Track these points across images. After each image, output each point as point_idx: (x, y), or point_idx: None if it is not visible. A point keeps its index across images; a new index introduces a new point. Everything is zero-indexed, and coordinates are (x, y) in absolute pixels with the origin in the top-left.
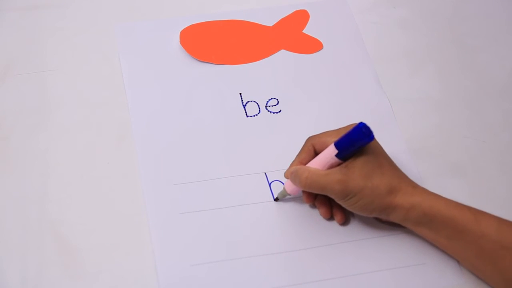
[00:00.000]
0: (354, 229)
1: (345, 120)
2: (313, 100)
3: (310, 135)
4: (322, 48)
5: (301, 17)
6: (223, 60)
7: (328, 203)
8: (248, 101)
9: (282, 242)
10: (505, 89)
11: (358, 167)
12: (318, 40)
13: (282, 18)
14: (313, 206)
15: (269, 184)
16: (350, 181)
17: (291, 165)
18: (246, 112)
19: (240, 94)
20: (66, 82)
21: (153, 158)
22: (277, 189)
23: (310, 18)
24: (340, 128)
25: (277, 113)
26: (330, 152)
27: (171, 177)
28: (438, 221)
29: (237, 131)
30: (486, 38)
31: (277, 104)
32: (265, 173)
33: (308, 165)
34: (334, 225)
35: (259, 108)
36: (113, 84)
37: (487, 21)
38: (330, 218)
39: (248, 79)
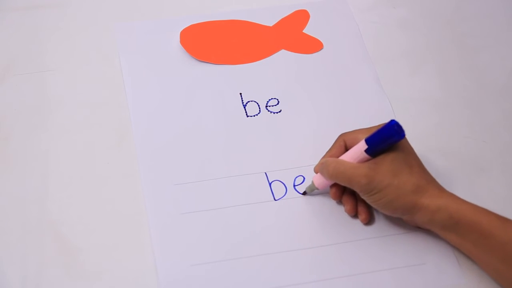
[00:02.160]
0: (354, 229)
1: (345, 120)
2: (313, 100)
3: (342, 132)
4: (322, 48)
5: (301, 17)
6: (223, 60)
7: (354, 201)
8: (248, 101)
9: (282, 242)
10: (505, 89)
11: (386, 163)
12: (318, 40)
13: (282, 18)
14: (340, 203)
15: (269, 184)
16: (376, 176)
17: (321, 159)
18: (246, 112)
19: (240, 94)
20: (66, 82)
21: (153, 158)
22: (277, 189)
23: (310, 18)
24: (372, 127)
25: (277, 113)
26: (360, 147)
27: (171, 177)
28: (464, 226)
29: (237, 131)
30: (486, 38)
31: (277, 104)
32: (265, 173)
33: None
34: (333, 225)
35: (259, 108)
36: (113, 84)
37: (487, 21)
38: (355, 216)
39: (248, 79)
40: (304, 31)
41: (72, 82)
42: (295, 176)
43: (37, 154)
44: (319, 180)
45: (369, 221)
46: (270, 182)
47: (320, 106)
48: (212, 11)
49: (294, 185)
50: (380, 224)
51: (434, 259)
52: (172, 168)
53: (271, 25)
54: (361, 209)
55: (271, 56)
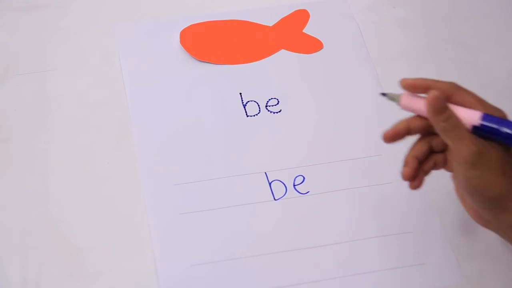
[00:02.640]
0: (354, 229)
1: (345, 120)
2: (313, 100)
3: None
4: (322, 48)
5: (301, 17)
6: (223, 60)
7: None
8: (248, 101)
9: (282, 242)
10: (505, 89)
11: (494, 151)
12: (318, 40)
13: (282, 18)
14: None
15: (269, 184)
16: (486, 153)
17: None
18: (246, 112)
19: (240, 94)
20: (66, 82)
21: (153, 158)
22: (277, 189)
23: (310, 18)
24: (484, 101)
25: (277, 113)
26: (471, 116)
27: (171, 177)
28: None
29: (237, 131)
30: (486, 38)
31: (277, 104)
32: (265, 173)
33: None
34: (333, 225)
35: (259, 108)
36: (113, 84)
37: (487, 21)
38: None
39: (248, 79)
40: (304, 31)
41: (72, 82)
42: (295, 176)
43: (37, 154)
44: (409, 100)
45: (418, 187)
46: (270, 182)
47: (320, 106)
48: (212, 11)
49: (294, 185)
50: (380, 224)
51: (434, 259)
52: (172, 168)
53: (271, 25)
54: (422, 177)
55: (271, 56)
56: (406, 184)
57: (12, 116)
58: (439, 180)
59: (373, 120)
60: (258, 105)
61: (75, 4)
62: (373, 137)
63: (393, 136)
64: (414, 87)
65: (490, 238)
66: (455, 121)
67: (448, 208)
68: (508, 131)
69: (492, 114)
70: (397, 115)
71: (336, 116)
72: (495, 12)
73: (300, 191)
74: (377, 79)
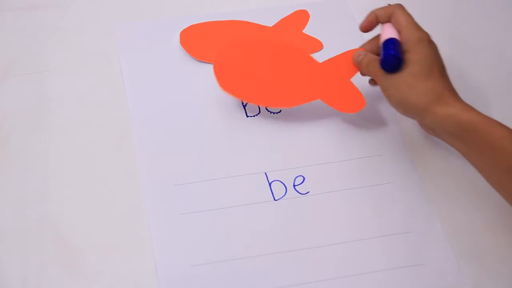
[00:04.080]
0: (354, 229)
1: (345, 119)
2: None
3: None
4: (322, 48)
5: (301, 17)
6: None
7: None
8: None
9: (282, 242)
10: (505, 89)
11: (407, 67)
12: (318, 40)
13: (282, 18)
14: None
15: (269, 184)
16: (392, 76)
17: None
18: (246, 112)
19: None
20: (66, 82)
21: (153, 158)
22: (277, 189)
23: (310, 18)
24: (412, 25)
25: (277, 113)
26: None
27: (171, 177)
28: (472, 135)
29: (237, 131)
30: (486, 38)
31: None
32: (265, 173)
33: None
34: (333, 225)
35: (259, 108)
36: (113, 84)
37: (487, 21)
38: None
39: None
40: (304, 31)
41: (72, 82)
42: (295, 176)
43: (37, 154)
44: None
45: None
46: (270, 182)
47: (320, 106)
48: (212, 11)
49: (294, 185)
50: (380, 224)
51: (434, 259)
52: (172, 169)
53: (271, 25)
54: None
55: None
56: (406, 184)
57: (12, 116)
58: (439, 180)
59: (373, 120)
60: (258, 105)
61: (75, 4)
62: (373, 137)
63: (367, 26)
64: (370, 25)
65: (490, 238)
66: (372, 64)
67: (448, 208)
68: (382, 54)
69: (409, 37)
70: (397, 115)
71: (336, 116)
72: (495, 12)
73: (300, 191)
74: None
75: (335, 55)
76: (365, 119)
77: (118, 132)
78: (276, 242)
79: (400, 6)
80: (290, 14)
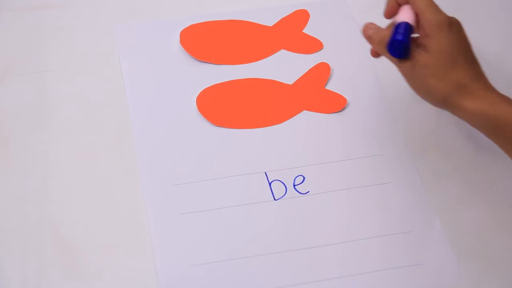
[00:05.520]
0: (354, 229)
1: (345, 119)
2: None
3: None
4: (322, 48)
5: (301, 17)
6: (223, 60)
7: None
8: None
9: (282, 242)
10: (505, 89)
11: (429, 53)
12: (318, 40)
13: (282, 18)
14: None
15: (269, 184)
16: (416, 63)
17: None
18: None
19: None
20: (66, 82)
21: (153, 158)
22: (277, 189)
23: (310, 18)
24: (432, 7)
25: None
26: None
27: (171, 177)
28: (506, 130)
29: (237, 131)
30: (486, 38)
31: None
32: (265, 173)
33: None
34: (333, 225)
35: None
36: (113, 84)
37: (487, 21)
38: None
39: None
40: (304, 31)
41: (72, 82)
42: (295, 176)
43: (37, 154)
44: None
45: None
46: (270, 182)
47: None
48: (212, 11)
49: (294, 185)
50: (380, 224)
51: (434, 259)
52: (172, 168)
53: (271, 25)
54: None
55: (271, 56)
56: (406, 184)
57: (12, 116)
58: (439, 180)
59: (373, 120)
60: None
61: (75, 4)
62: (373, 136)
63: (389, 12)
64: (392, 10)
65: (490, 238)
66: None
67: (448, 208)
68: (393, 37)
69: (428, 21)
70: (397, 115)
71: (336, 116)
72: (495, 12)
73: (300, 191)
74: (377, 79)
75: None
76: (365, 120)
77: (118, 132)
78: (276, 242)
79: None
80: (290, 14)
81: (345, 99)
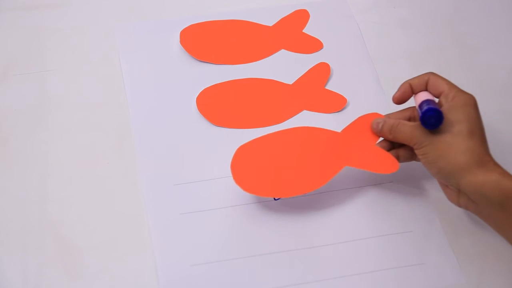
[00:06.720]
0: (354, 229)
1: (345, 119)
2: None
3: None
4: (322, 48)
5: (301, 17)
6: (223, 60)
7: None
8: None
9: (282, 242)
10: (505, 89)
11: (445, 129)
12: (318, 40)
13: (282, 18)
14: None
15: None
16: (428, 139)
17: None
18: None
19: None
20: (66, 82)
21: (153, 158)
22: None
23: (310, 18)
24: (454, 86)
25: None
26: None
27: (171, 177)
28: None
29: (237, 131)
30: (486, 38)
31: None
32: None
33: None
34: (333, 225)
35: None
36: (113, 84)
37: (487, 21)
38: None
39: None
40: (304, 31)
41: (72, 82)
42: None
43: (37, 154)
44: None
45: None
46: None
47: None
48: (212, 11)
49: None
50: (380, 224)
51: (434, 259)
52: (172, 168)
53: (271, 25)
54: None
55: (271, 56)
56: (406, 184)
57: (12, 116)
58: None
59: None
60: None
61: (75, 4)
62: None
63: (400, 97)
64: (404, 96)
65: (490, 238)
66: (399, 127)
67: (448, 208)
68: (419, 112)
69: (453, 99)
70: None
71: (336, 116)
72: (495, 12)
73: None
74: (377, 79)
75: (332, 53)
76: None
77: (118, 132)
78: (276, 242)
79: (434, 73)
80: (290, 14)
81: (345, 99)
